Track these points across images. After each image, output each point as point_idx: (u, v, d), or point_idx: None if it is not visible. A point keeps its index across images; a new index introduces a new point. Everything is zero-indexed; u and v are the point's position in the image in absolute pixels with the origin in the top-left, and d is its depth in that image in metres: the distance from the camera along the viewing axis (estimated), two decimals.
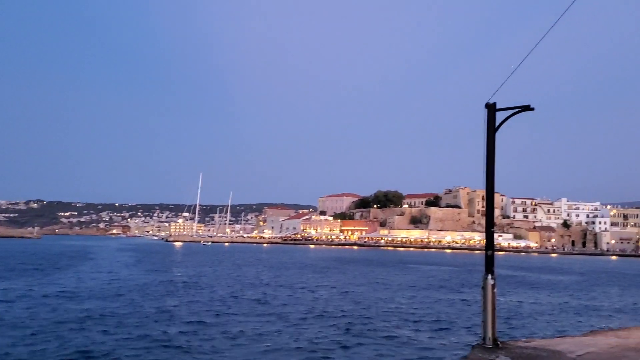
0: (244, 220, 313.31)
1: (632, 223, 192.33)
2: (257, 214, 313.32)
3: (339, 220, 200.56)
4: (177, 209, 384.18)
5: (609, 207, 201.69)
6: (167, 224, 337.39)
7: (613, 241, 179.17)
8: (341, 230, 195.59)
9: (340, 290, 33.53)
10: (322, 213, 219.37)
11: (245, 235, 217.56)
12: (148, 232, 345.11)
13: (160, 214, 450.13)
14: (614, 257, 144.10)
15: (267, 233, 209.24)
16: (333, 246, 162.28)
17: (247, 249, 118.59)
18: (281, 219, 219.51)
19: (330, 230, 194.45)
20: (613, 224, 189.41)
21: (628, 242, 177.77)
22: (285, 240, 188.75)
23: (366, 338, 17.45)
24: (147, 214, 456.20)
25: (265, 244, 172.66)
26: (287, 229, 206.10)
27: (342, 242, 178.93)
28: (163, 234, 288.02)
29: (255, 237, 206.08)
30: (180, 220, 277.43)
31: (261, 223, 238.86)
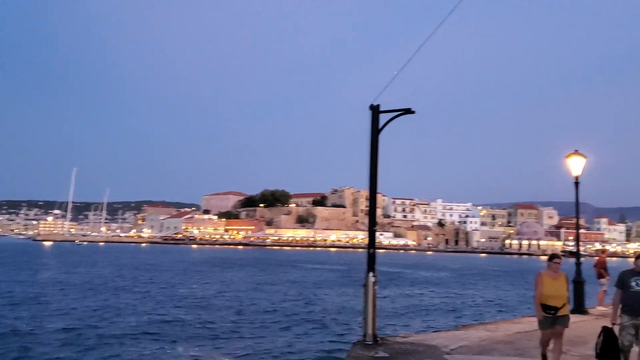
0: (122, 218, 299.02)
1: (499, 223, 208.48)
2: (136, 212, 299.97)
3: (224, 220, 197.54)
4: (47, 206, 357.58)
5: (479, 207, 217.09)
6: (35, 222, 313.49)
7: (482, 239, 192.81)
8: (226, 230, 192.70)
9: (220, 290, 32.95)
10: (206, 212, 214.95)
11: (122, 235, 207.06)
12: (13, 230, 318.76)
13: (27, 211, 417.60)
14: (483, 255, 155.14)
15: (147, 232, 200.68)
16: (217, 246, 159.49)
17: (125, 249, 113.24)
18: (161, 218, 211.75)
19: (214, 230, 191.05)
20: (482, 224, 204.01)
21: (495, 241, 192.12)
22: (166, 239, 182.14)
23: (245, 339, 17.20)
24: (12, 211, 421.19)
25: (143, 244, 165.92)
26: (168, 229, 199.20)
27: (226, 241, 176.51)
28: (31, 232, 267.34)
29: (133, 237, 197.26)
30: (50, 218, 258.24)
31: (140, 222, 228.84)
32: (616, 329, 7.27)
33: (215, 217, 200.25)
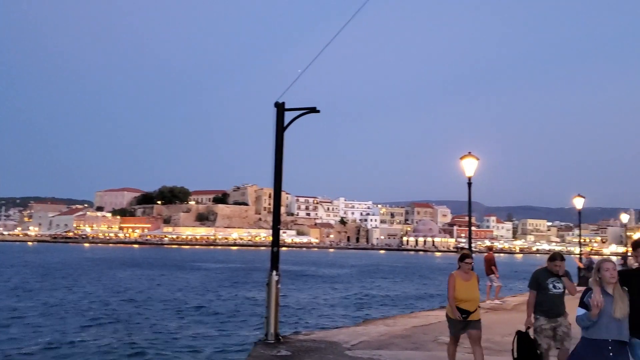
0: (5, 215, 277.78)
1: (398, 220, 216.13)
2: (22, 208, 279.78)
3: (119, 217, 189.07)
4: None
5: (379, 206, 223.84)
6: None
7: (382, 237, 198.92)
8: (121, 228, 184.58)
9: (117, 290, 31.58)
10: (100, 209, 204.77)
11: (5, 233, 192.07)
12: None
13: None
14: (382, 251, 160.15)
15: (34, 230, 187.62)
16: (111, 245, 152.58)
17: (8, 248, 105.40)
18: (51, 215, 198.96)
19: (108, 228, 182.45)
20: (382, 221, 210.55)
21: (394, 238, 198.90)
22: (55, 238, 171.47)
23: (144, 341, 16.58)
24: None
25: (30, 242, 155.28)
26: (58, 226, 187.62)
27: (121, 240, 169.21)
28: None
29: (19, 235, 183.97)
30: None
31: (26, 219, 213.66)
32: (530, 331, 6.99)
33: (109, 215, 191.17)
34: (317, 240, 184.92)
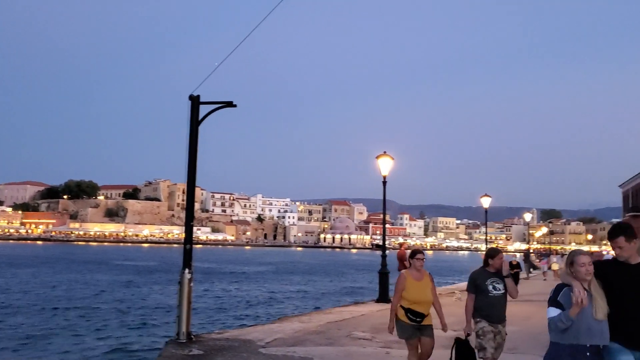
0: None
1: (316, 218, 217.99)
2: None
3: (20, 212, 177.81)
4: None
5: (297, 203, 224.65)
6: None
7: (300, 234, 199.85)
8: (22, 223, 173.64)
9: (19, 289, 29.72)
10: None
11: None
12: None
13: None
14: (299, 249, 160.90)
15: None
16: (11, 241, 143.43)
17: None
18: None
19: (8, 223, 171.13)
20: (300, 219, 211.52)
21: (311, 235, 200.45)
22: None
23: (51, 342, 15.68)
24: None
25: None
26: None
27: (23, 236, 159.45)
28: None
29: None
30: None
31: None
32: (471, 338, 6.43)
33: (10, 209, 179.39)
34: (233, 238, 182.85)
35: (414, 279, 6.50)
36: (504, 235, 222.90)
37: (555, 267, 31.02)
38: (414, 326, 6.43)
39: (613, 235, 4.11)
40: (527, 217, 71.71)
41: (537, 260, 41.42)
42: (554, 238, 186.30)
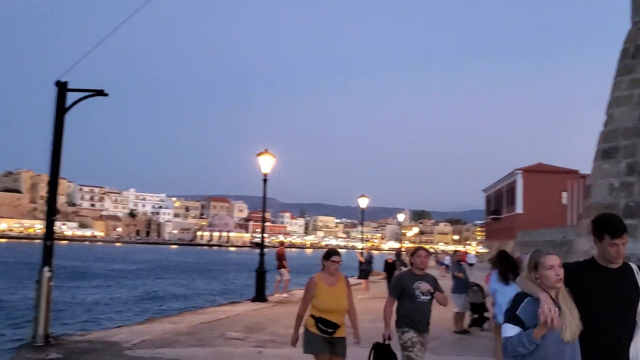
0: None
1: (193, 215, 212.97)
2: None
3: None
4: None
5: (173, 199, 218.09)
6: None
7: (175, 231, 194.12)
8: None
9: None
10: None
11: None
12: None
13: None
14: (174, 246, 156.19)
15: None
16: None
17: None
18: None
19: None
20: (176, 215, 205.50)
21: (188, 232, 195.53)
22: None
23: None
24: None
25: None
26: None
27: None
28: None
29: None
30: None
31: None
32: (392, 343, 5.90)
33: None
34: (102, 234, 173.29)
35: (327, 284, 5.59)
36: (379, 234, 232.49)
37: None
38: (324, 338, 5.51)
39: (619, 230, 3.18)
40: (400, 217, 75.62)
41: (408, 259, 43.45)
42: (424, 237, 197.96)
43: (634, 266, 3.29)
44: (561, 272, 3.03)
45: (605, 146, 9.10)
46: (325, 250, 6.00)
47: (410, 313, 5.73)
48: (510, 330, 2.99)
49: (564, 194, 58.38)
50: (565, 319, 2.95)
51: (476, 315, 12.10)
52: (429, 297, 5.77)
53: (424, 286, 5.74)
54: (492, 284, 7.86)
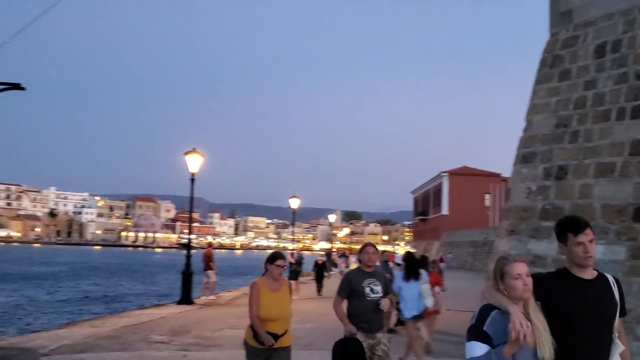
0: None
1: (117, 214, 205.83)
2: None
3: None
4: None
5: (97, 198, 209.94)
6: None
7: (99, 231, 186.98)
8: None
9: None
10: None
11: None
12: None
13: None
14: (97, 247, 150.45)
15: None
16: None
17: None
18: None
19: None
20: (100, 215, 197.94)
21: (112, 233, 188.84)
22: None
23: None
24: None
25: None
26: None
27: None
28: None
29: None
30: None
31: None
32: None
33: None
34: (19, 235, 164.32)
35: (270, 289, 5.17)
36: (310, 235, 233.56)
37: (353, 266, 32.62)
38: (265, 351, 5.07)
39: (581, 226, 2.93)
40: (332, 218, 76.13)
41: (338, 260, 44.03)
42: (355, 238, 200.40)
43: (610, 277, 3.00)
44: (529, 281, 2.71)
45: (524, 151, 9.52)
46: (270, 253, 5.50)
47: (360, 312, 5.38)
48: (478, 349, 2.60)
49: (487, 196, 60.83)
50: (539, 334, 2.62)
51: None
52: (379, 295, 5.42)
53: (385, 303, 5.37)
54: (396, 282, 8.48)
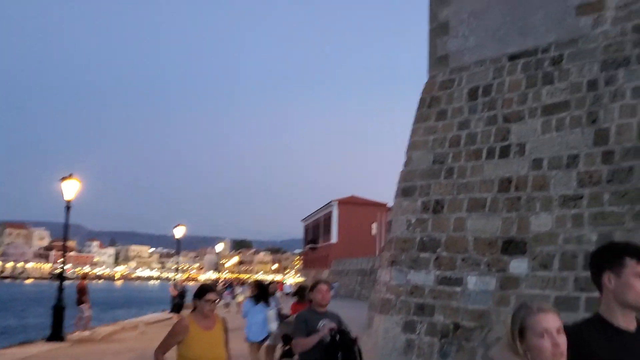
0: None
1: None
2: None
3: None
4: None
5: None
6: None
7: None
8: None
9: None
10: None
11: None
12: None
13: None
14: None
15: None
16: None
17: None
18: None
19: None
20: None
21: None
22: None
23: None
24: None
25: None
26: None
27: None
28: None
29: None
30: None
31: None
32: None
33: None
34: None
35: (201, 327, 4.57)
36: (197, 264, 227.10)
37: (240, 298, 27.80)
38: None
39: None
40: (219, 247, 74.83)
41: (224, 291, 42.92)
42: (243, 267, 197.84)
43: None
44: (562, 340, 1.93)
45: (405, 185, 9.94)
46: (198, 287, 4.90)
47: (314, 356, 4.91)
48: None
49: (374, 226, 62.84)
50: None
51: (287, 347, 12.26)
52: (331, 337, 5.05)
53: (328, 325, 5.05)
54: (244, 308, 9.71)
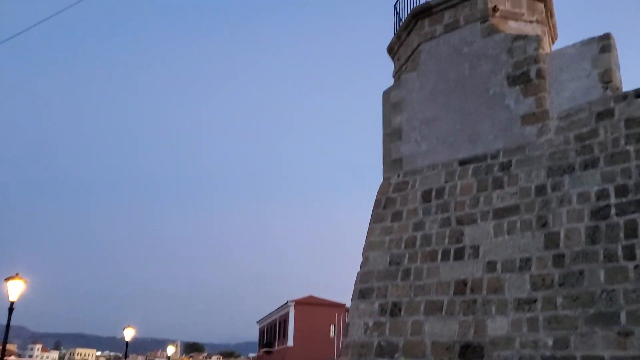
0: None
1: None
2: None
3: None
4: None
5: None
6: None
7: None
8: None
9: None
10: None
11: None
12: None
13: None
14: None
15: None
16: None
17: None
18: None
19: None
20: None
21: None
22: None
23: None
24: None
25: None
26: None
27: None
28: None
29: None
30: None
31: None
32: None
33: None
34: None
35: None
36: None
37: None
38: None
39: None
40: (170, 350, 71.17)
41: None
42: None
43: None
44: None
45: (362, 287, 9.83)
46: None
47: None
48: None
49: (332, 327, 61.23)
50: None
51: None
52: None
53: None
54: None
